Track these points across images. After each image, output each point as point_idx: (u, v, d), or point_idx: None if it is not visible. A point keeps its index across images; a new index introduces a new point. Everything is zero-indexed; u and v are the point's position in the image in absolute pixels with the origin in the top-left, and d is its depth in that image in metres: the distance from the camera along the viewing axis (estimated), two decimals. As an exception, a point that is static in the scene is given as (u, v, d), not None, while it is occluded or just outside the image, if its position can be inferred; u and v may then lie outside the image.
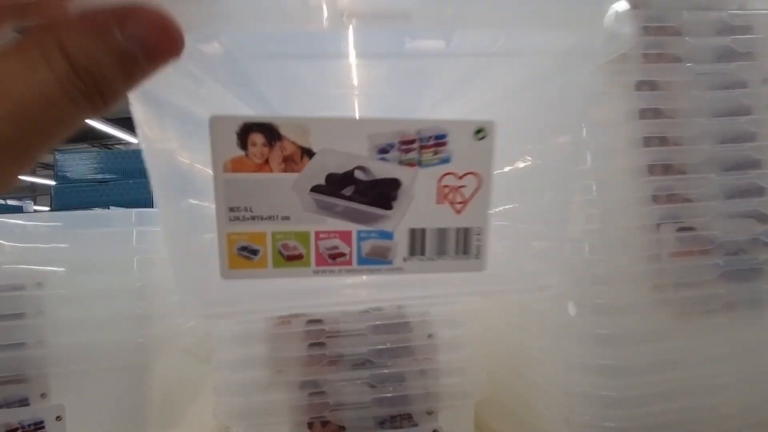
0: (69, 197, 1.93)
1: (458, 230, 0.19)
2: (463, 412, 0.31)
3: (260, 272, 0.18)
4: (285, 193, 0.18)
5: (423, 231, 0.19)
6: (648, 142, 0.24)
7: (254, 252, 0.18)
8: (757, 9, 0.26)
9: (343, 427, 0.30)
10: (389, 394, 0.30)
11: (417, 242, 0.19)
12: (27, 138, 0.13)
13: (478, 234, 0.19)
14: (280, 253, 0.18)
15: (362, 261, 0.19)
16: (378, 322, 0.31)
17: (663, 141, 0.24)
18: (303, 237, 0.18)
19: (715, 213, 0.24)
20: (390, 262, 0.19)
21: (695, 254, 0.24)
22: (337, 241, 0.19)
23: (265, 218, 0.18)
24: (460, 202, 0.18)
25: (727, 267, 0.24)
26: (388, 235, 0.19)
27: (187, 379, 0.38)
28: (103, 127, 5.11)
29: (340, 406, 0.30)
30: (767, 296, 0.24)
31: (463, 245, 0.19)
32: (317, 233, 0.18)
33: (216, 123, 0.17)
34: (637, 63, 0.24)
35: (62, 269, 0.30)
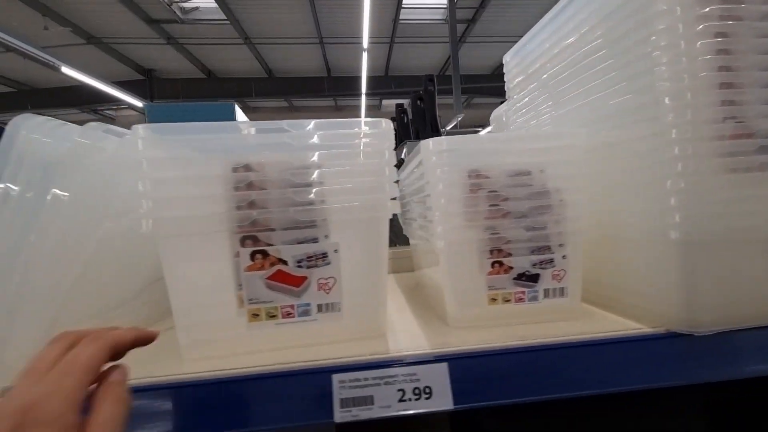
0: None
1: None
2: (578, 245, 0.50)
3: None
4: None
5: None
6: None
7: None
8: None
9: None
10: (538, 234, 0.49)
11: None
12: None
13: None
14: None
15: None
16: (533, 191, 0.49)
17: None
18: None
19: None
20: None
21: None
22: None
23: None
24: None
25: None
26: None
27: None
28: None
29: (509, 242, 0.49)
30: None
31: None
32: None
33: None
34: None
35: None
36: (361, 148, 0.47)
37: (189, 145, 0.45)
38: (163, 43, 6.65)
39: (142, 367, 0.40)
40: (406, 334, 0.50)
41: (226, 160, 0.45)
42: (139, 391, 0.39)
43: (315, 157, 0.46)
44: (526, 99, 0.69)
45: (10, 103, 7.05)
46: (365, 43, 5.89)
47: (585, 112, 0.54)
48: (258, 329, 0.46)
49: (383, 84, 8.31)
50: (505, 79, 0.76)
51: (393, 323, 0.55)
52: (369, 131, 0.47)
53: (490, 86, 8.02)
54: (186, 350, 0.46)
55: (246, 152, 0.45)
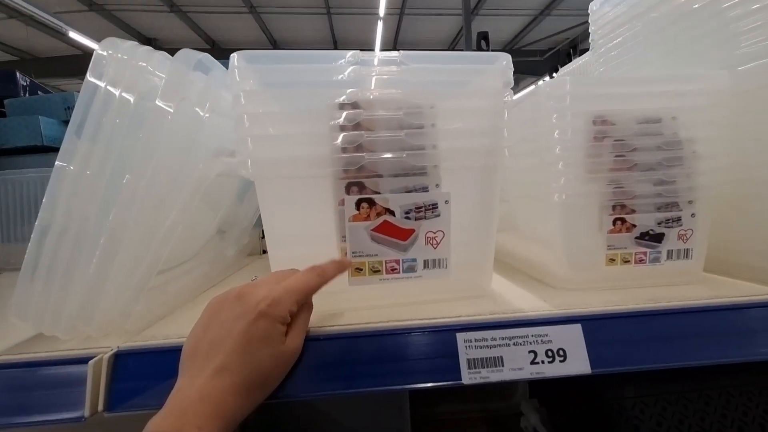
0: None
1: None
2: (709, 202, 0.46)
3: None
4: None
5: None
6: None
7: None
8: None
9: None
10: (666, 189, 0.44)
11: None
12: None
13: None
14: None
15: None
16: (663, 141, 0.44)
17: None
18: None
19: None
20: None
21: None
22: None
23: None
24: None
25: None
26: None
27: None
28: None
29: (635, 197, 0.44)
30: None
31: None
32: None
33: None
34: None
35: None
36: (479, 86, 0.42)
37: (290, 78, 0.39)
38: (167, 11, 6.42)
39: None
40: (513, 296, 0.46)
41: (331, 94, 0.39)
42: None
43: (428, 95, 0.41)
44: (623, 48, 0.62)
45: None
46: (382, 11, 5.60)
47: (713, 55, 0.48)
48: (360, 284, 0.42)
49: (392, 58, 8.05)
50: (591, 29, 0.70)
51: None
52: (487, 67, 0.42)
53: (503, 62, 7.76)
54: (283, 306, 0.42)
55: (353, 86, 0.39)
